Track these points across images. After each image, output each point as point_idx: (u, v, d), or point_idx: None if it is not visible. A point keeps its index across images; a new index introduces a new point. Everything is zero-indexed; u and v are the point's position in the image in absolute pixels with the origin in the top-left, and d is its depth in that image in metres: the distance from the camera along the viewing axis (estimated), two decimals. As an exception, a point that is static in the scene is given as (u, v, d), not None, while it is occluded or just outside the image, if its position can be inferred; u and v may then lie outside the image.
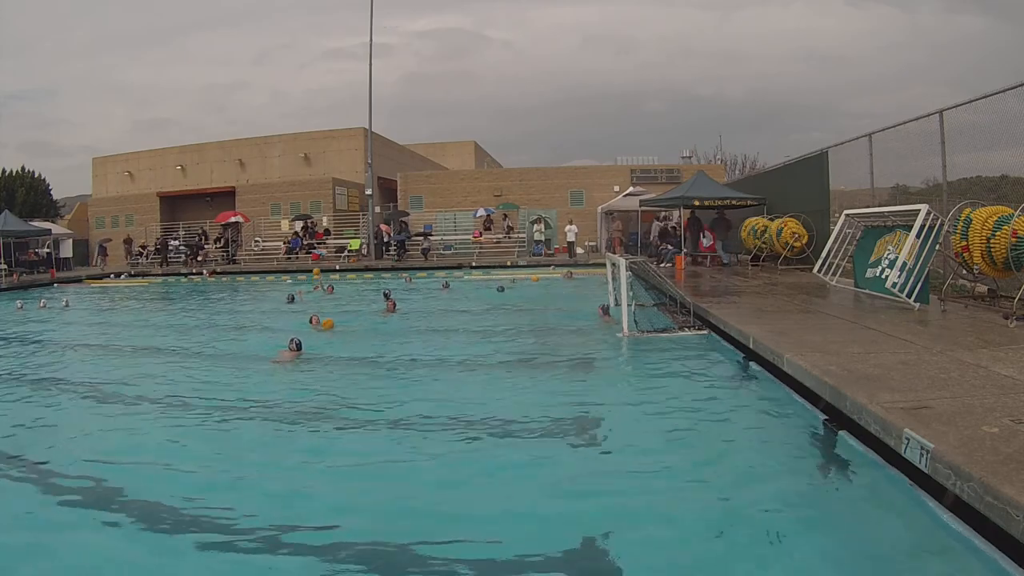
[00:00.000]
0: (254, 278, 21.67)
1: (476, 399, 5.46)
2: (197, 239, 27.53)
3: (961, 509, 2.75)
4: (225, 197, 29.93)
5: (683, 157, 35.90)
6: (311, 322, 9.63)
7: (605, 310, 9.58)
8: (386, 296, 12.32)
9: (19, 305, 14.04)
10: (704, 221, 17.25)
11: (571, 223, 24.18)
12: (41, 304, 13.83)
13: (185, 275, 23.44)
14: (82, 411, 5.71)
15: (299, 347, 7.42)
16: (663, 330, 8.01)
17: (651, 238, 20.86)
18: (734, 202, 16.07)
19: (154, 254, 27.09)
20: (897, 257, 7.22)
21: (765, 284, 10.83)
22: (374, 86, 26.51)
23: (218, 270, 24.21)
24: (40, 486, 3.88)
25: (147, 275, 24.21)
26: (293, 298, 13.70)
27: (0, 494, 3.78)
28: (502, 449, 4.32)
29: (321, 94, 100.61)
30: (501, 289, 13.97)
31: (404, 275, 19.36)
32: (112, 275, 23.62)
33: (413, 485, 3.74)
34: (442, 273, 20.36)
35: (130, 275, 24.15)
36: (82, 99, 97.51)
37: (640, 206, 19.83)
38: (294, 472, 4.00)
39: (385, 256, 25.07)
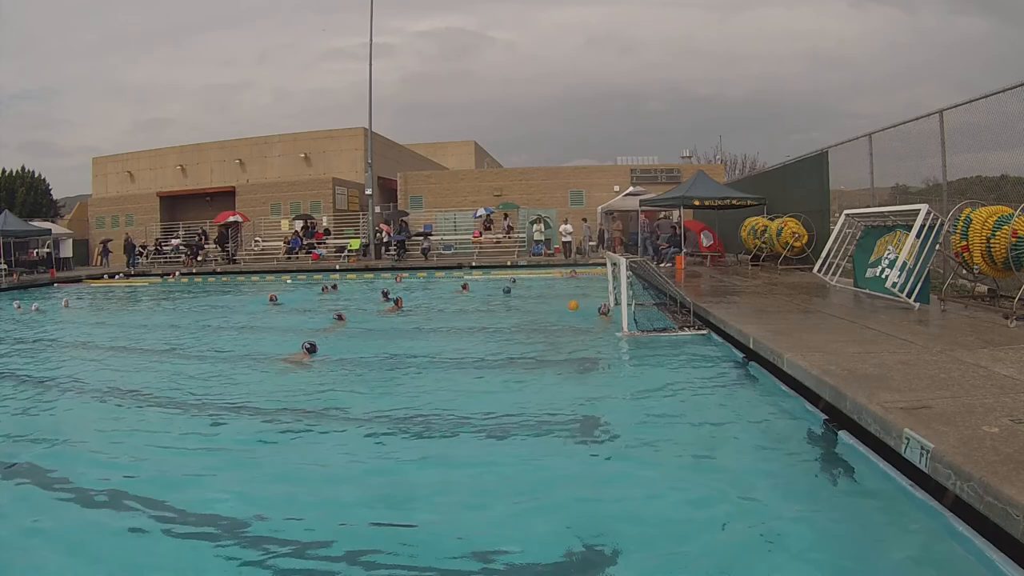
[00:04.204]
0: (246, 279, 21.68)
1: (476, 399, 5.46)
2: (197, 239, 27.57)
3: (961, 509, 2.74)
4: (225, 197, 29.93)
5: (683, 157, 35.96)
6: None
7: (606, 310, 9.60)
8: (385, 295, 12.39)
9: (17, 305, 14.00)
10: (663, 228, 18.49)
11: (566, 222, 24.14)
12: (34, 308, 13.65)
13: (160, 276, 23.46)
14: (84, 411, 5.70)
15: (312, 350, 7.36)
16: (663, 330, 8.00)
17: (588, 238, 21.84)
18: (734, 202, 16.07)
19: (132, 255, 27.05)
20: (897, 257, 7.22)
21: (765, 284, 10.83)
22: (376, 86, 26.60)
23: (209, 271, 24.23)
24: (42, 486, 3.87)
25: (147, 275, 24.22)
26: (276, 298, 13.71)
27: (2, 494, 3.78)
28: (501, 449, 4.31)
29: (324, 94, 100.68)
30: (507, 291, 13.95)
31: (400, 275, 19.36)
32: (106, 275, 23.60)
33: (413, 485, 3.73)
34: (440, 273, 20.42)
35: (128, 275, 24.15)
36: (84, 99, 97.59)
37: (640, 206, 19.85)
38: (296, 472, 4.00)
39: (385, 256, 25.08)
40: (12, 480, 3.98)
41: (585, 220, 24.84)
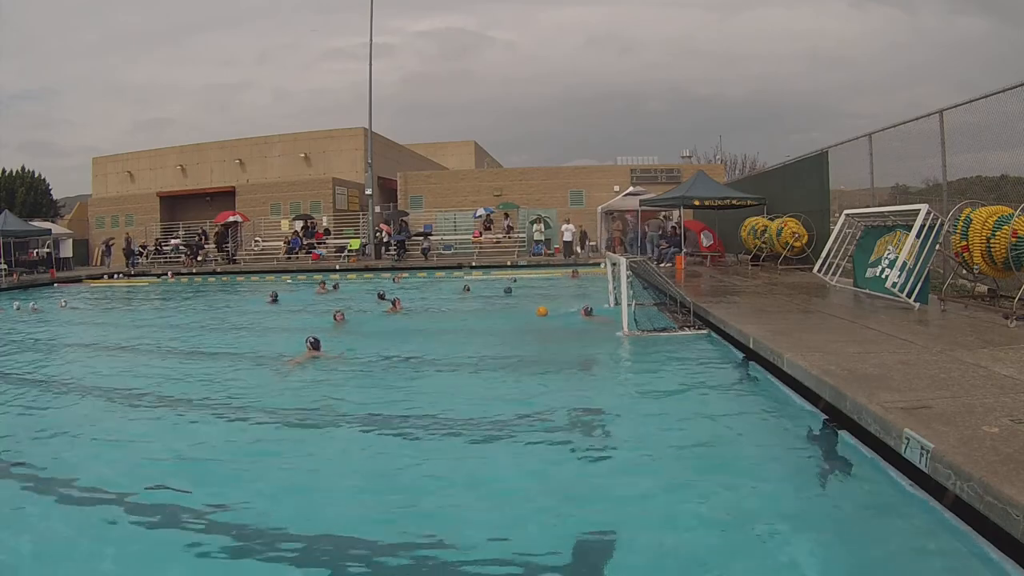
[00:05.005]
0: (247, 279, 21.68)
1: (477, 399, 5.46)
2: (197, 239, 27.58)
3: (961, 509, 2.74)
4: (225, 197, 29.93)
5: (683, 157, 35.95)
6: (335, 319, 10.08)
7: (588, 311, 9.64)
8: (381, 297, 12.40)
9: (16, 306, 13.96)
10: (652, 227, 19.28)
11: (568, 222, 24.09)
12: (33, 307, 13.61)
13: (157, 276, 23.58)
14: (87, 412, 5.70)
15: (316, 345, 7.33)
16: (663, 330, 8.00)
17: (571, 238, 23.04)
18: (734, 202, 16.07)
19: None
20: (897, 257, 7.22)
21: (765, 284, 10.83)
22: (376, 86, 26.60)
23: (209, 271, 24.24)
24: (46, 486, 3.87)
25: (146, 275, 24.22)
26: (276, 297, 13.70)
27: (3, 495, 3.78)
28: (502, 449, 4.31)
29: (324, 94, 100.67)
30: (509, 291, 13.93)
31: (398, 276, 19.35)
32: (106, 275, 23.60)
33: (413, 485, 3.74)
34: (441, 273, 20.43)
35: (128, 275, 24.17)
36: (84, 99, 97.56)
37: (640, 206, 19.85)
38: (297, 471, 4.01)
39: (385, 256, 25.08)
40: (12, 480, 3.98)
41: (568, 220, 24.51)
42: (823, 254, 9.25)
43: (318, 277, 19.61)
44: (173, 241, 28.19)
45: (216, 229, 27.54)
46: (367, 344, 8.41)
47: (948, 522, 2.80)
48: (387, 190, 30.90)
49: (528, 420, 4.79)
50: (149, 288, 19.75)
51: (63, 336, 10.30)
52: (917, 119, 8.76)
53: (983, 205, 6.63)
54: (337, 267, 23.41)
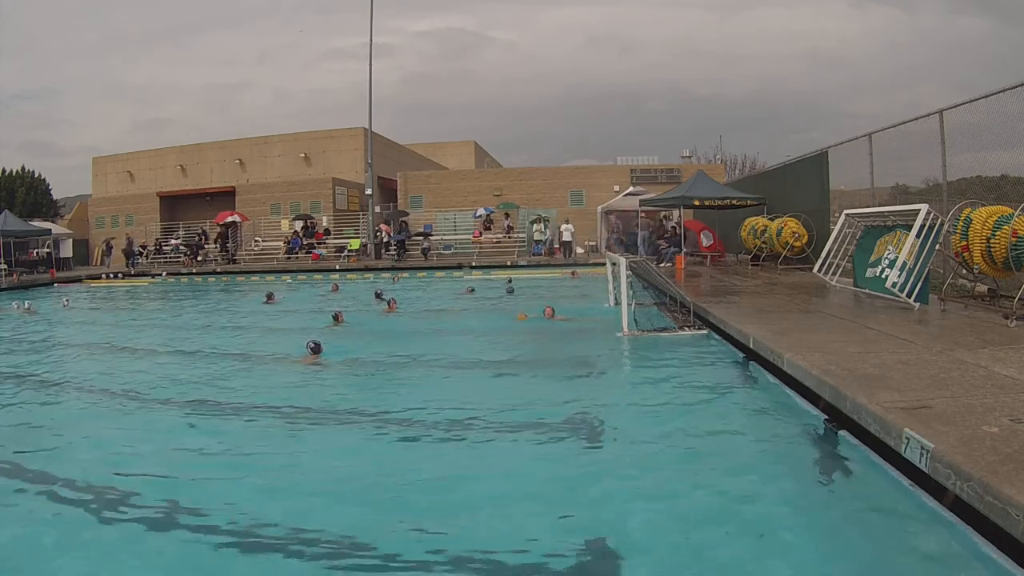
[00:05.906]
0: (247, 279, 21.67)
1: (476, 399, 5.45)
2: (197, 239, 27.59)
3: (961, 509, 2.74)
4: (225, 197, 29.93)
5: (683, 157, 35.98)
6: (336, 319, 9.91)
7: (551, 312, 9.69)
8: (378, 296, 12.38)
9: (15, 306, 13.93)
10: (642, 226, 19.93)
11: (567, 222, 24.03)
12: (27, 307, 13.53)
13: (152, 275, 23.76)
14: (86, 411, 5.70)
15: (316, 349, 7.26)
16: (663, 330, 8.00)
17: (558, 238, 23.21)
18: (734, 202, 16.08)
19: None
20: (897, 257, 7.22)
21: (765, 284, 10.83)
22: (376, 86, 26.60)
23: (209, 270, 24.26)
24: (46, 487, 3.86)
25: (146, 275, 24.22)
26: (272, 296, 13.68)
27: (4, 496, 3.77)
28: (502, 449, 4.32)
29: (324, 94, 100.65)
30: (511, 291, 13.91)
31: (397, 276, 19.34)
32: (105, 275, 23.60)
33: (413, 485, 3.73)
34: (440, 273, 20.43)
35: (128, 275, 24.17)
36: (84, 99, 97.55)
37: (640, 206, 19.86)
38: (297, 473, 4.00)
39: (385, 256, 25.08)
40: (13, 481, 3.98)
41: (559, 222, 24.28)
42: (823, 254, 9.25)
43: (318, 277, 19.62)
44: (173, 241, 28.21)
45: (216, 229, 27.55)
46: (366, 345, 8.41)
47: (948, 522, 2.80)
48: (387, 190, 30.90)
49: (528, 420, 4.79)
50: (148, 288, 19.76)
51: (63, 335, 10.29)
52: (917, 119, 8.76)
53: (983, 205, 6.62)
54: (337, 267, 23.40)
